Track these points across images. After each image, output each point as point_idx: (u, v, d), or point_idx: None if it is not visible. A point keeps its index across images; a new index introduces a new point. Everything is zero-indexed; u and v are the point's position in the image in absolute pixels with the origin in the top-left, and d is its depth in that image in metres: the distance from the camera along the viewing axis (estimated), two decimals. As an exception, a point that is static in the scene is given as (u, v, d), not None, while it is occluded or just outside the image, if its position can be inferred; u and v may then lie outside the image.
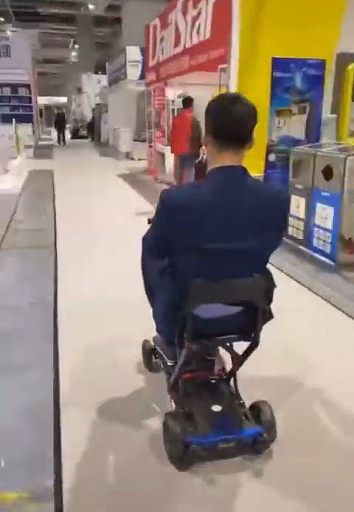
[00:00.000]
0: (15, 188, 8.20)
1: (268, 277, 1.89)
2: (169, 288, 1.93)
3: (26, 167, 10.63)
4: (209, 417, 1.92)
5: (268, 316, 1.93)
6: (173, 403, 2.10)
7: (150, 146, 11.51)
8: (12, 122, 15.35)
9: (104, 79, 24.13)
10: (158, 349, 2.41)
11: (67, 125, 27.12)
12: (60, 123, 21.22)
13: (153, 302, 2.17)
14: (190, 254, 1.73)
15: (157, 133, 11.12)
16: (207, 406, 1.96)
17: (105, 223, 6.10)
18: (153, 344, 2.53)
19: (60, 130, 21.08)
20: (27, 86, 16.88)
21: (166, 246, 1.81)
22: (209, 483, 1.85)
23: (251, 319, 1.85)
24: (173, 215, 1.68)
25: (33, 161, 12.74)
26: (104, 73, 25.76)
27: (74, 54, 35.60)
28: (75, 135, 24.36)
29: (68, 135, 24.23)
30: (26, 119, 16.08)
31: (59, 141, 21.07)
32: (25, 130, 14.11)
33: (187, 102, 7.32)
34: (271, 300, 1.94)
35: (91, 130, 23.14)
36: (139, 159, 14.11)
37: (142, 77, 13.76)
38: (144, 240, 2.06)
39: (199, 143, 7.14)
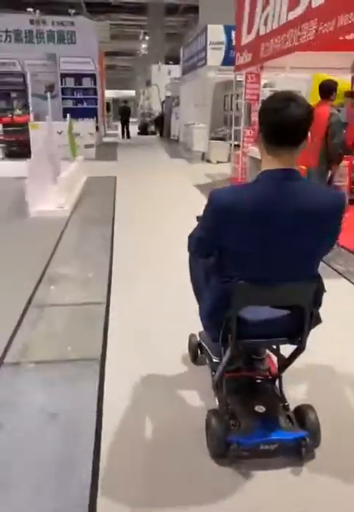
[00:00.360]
0: (62, 210, 5.86)
1: (318, 281, 1.77)
2: (215, 287, 1.82)
3: (82, 174, 8.33)
4: (252, 417, 1.86)
5: (316, 320, 1.84)
6: (217, 401, 2.02)
7: (236, 146, 8.84)
8: (74, 117, 13.34)
9: (175, 70, 21.96)
10: (203, 344, 2.33)
11: (134, 120, 25.36)
12: (124, 116, 19.45)
13: (199, 300, 2.07)
14: (234, 255, 1.68)
15: (247, 131, 8.41)
16: (251, 406, 1.90)
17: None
18: (199, 339, 2.43)
19: (125, 123, 19.33)
20: (92, 77, 14.73)
21: (211, 246, 1.78)
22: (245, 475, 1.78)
23: (299, 322, 1.76)
24: (219, 215, 1.62)
25: (94, 165, 10.49)
26: (176, 63, 23.71)
27: (143, 46, 33.75)
28: (143, 131, 21.92)
29: (135, 130, 22.08)
30: (90, 113, 13.94)
31: (123, 135, 19.32)
32: (87, 126, 11.91)
33: (327, 89, 4.52)
34: (319, 305, 1.83)
35: (159, 126, 20.71)
36: (218, 162, 11.48)
37: (226, 62, 11.07)
38: (191, 238, 1.91)
39: (334, 155, 4.43)
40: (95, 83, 14.81)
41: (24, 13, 14.43)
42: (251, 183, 1.67)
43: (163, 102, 20.96)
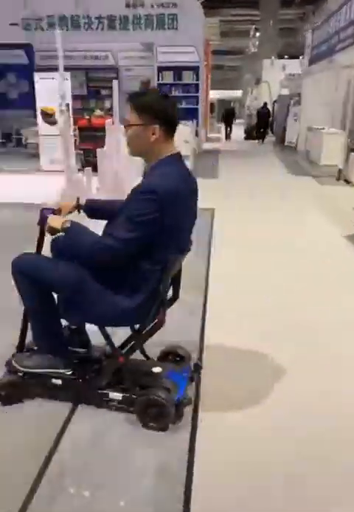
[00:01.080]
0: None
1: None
2: (154, 275, 1.84)
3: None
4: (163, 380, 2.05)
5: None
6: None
7: None
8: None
9: (291, 64, 18.13)
10: (46, 370, 2.04)
11: (240, 121, 22.91)
12: (228, 119, 18.63)
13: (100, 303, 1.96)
14: (171, 235, 1.79)
15: None
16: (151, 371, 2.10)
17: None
18: (20, 368, 2.04)
19: (228, 125, 18.43)
20: (195, 70, 11.49)
21: (151, 235, 1.77)
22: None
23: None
24: (164, 202, 1.71)
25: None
26: (290, 58, 19.87)
27: (253, 42, 29.85)
28: (250, 135, 18.07)
29: (241, 134, 18.73)
30: (190, 114, 10.77)
31: (226, 137, 18.32)
32: (182, 132, 8.74)
33: None
34: None
35: (263, 128, 16.55)
36: (364, 185, 7.58)
37: None
38: (114, 246, 1.78)
39: None
40: (198, 78, 11.56)
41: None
42: (169, 166, 1.79)
43: (275, 101, 17.09)
